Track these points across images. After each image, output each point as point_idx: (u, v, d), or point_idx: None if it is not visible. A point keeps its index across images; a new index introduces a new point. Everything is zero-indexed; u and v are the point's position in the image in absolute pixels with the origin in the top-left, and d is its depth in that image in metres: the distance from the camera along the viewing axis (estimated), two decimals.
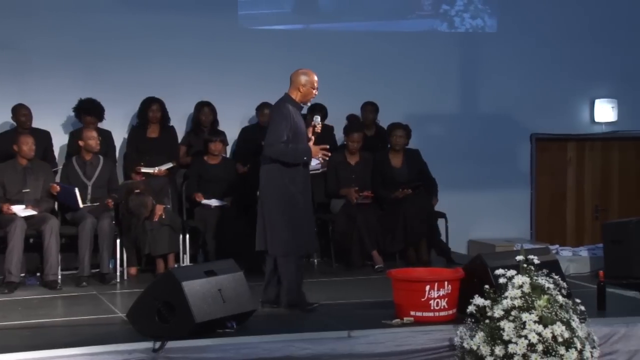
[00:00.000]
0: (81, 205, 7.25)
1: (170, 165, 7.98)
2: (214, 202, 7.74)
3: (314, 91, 5.97)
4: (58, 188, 7.27)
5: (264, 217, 5.93)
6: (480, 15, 9.48)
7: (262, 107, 8.36)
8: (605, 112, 9.89)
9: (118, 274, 7.38)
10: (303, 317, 5.82)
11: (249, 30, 8.98)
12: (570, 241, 9.77)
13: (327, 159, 6.30)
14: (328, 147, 6.13)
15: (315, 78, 5.97)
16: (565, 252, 8.70)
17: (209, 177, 7.91)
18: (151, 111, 8.13)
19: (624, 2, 9.85)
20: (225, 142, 8.17)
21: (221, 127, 8.36)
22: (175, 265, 7.45)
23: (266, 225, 5.92)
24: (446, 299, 5.45)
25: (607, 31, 9.79)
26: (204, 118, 8.36)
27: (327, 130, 8.81)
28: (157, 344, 4.90)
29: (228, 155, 8.45)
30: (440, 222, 8.21)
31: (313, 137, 6.07)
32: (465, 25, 9.46)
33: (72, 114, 8.14)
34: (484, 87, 9.67)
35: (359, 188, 8.04)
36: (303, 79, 5.93)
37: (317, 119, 6.10)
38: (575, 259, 8.53)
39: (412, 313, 5.46)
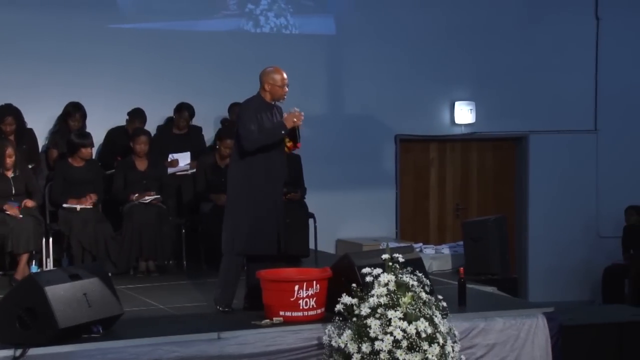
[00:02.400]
0: None
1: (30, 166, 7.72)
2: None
3: (280, 89, 5.86)
4: None
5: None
6: (284, 14, 9.47)
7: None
8: (464, 114, 10.20)
9: None
10: (176, 319, 5.83)
11: (112, 29, 8.80)
12: (433, 239, 10.06)
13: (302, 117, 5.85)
14: (297, 109, 5.85)
15: (284, 76, 5.86)
16: (428, 250, 8.98)
17: (74, 179, 7.69)
18: (4, 124, 7.74)
19: (480, 7, 10.18)
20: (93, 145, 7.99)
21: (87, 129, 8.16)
22: (33, 267, 7.20)
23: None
24: (315, 299, 5.52)
25: (465, 35, 10.09)
26: (74, 124, 8.08)
27: (195, 130, 8.76)
28: (18, 352, 4.77)
29: (93, 156, 8.25)
30: (309, 223, 8.29)
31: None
32: (269, 24, 9.42)
33: None
34: (349, 89, 9.80)
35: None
36: (268, 78, 5.87)
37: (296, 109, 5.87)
38: (438, 256, 8.82)
39: (282, 313, 5.51)
